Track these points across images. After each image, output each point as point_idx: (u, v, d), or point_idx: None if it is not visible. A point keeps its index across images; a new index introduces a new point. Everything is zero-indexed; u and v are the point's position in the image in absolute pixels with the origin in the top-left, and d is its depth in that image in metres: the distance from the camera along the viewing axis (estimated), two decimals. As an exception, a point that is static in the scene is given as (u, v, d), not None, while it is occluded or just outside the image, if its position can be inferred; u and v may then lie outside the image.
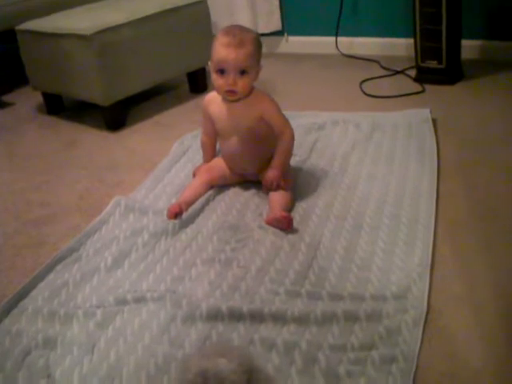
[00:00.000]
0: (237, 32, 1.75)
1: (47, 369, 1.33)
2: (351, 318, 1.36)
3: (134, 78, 2.60)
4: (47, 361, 1.35)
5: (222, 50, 1.73)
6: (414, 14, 2.68)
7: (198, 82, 2.93)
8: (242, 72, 1.75)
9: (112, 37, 2.47)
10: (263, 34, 3.41)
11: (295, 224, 1.73)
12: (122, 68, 2.53)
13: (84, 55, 2.46)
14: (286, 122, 1.86)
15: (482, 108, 2.43)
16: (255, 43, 1.77)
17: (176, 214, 1.78)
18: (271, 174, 1.81)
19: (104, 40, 2.44)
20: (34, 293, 1.58)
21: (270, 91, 2.75)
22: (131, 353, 1.34)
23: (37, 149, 2.53)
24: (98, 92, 2.52)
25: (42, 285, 1.61)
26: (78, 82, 2.58)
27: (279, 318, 1.38)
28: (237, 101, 1.82)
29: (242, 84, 1.77)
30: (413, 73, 2.83)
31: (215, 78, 1.79)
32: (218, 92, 1.84)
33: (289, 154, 1.87)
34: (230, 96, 1.81)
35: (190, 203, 1.85)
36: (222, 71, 1.76)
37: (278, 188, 1.80)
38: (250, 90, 1.84)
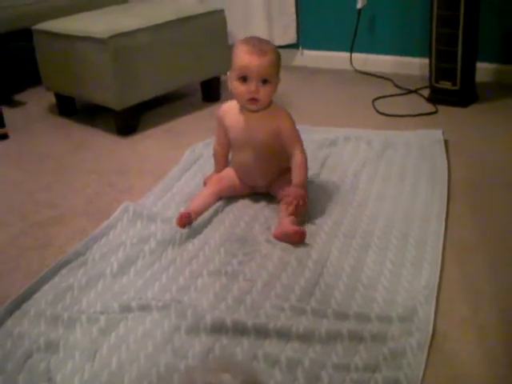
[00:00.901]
0: (257, 42, 1.77)
1: (48, 373, 1.33)
2: (356, 337, 1.34)
3: (147, 83, 2.61)
4: (48, 365, 1.35)
5: (246, 57, 1.74)
6: (431, 35, 2.68)
7: (211, 91, 2.93)
8: (264, 81, 1.76)
9: (128, 41, 2.48)
10: (279, 47, 3.41)
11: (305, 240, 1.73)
12: (136, 73, 2.54)
13: (99, 58, 2.47)
14: (298, 140, 1.85)
15: (494, 131, 2.42)
16: (276, 54, 1.79)
17: (185, 224, 1.77)
18: (295, 191, 1.77)
19: (119, 44, 2.45)
20: (37, 295, 1.58)
21: (283, 104, 2.76)
22: (133, 361, 1.33)
23: (47, 150, 2.53)
24: (111, 96, 2.52)
25: (46, 288, 1.61)
26: (91, 85, 2.58)
27: (283, 335, 1.37)
28: (257, 111, 1.82)
29: (263, 93, 1.77)
30: (426, 93, 2.82)
31: (237, 86, 1.78)
32: (239, 100, 1.84)
33: (306, 170, 1.85)
34: (251, 104, 1.80)
35: (199, 213, 1.85)
36: (244, 78, 1.76)
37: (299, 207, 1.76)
38: (269, 103, 1.84)
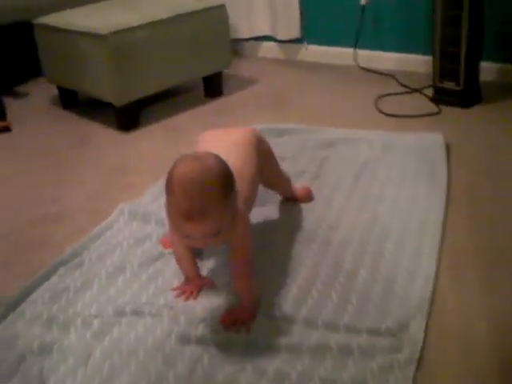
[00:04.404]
0: (197, 190, 1.26)
1: (41, 376, 1.35)
2: (345, 351, 1.35)
3: (148, 79, 2.61)
4: (42, 368, 1.36)
5: (184, 224, 1.29)
6: (434, 35, 2.66)
7: (213, 87, 2.93)
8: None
9: (128, 38, 2.47)
10: (282, 41, 3.40)
11: (298, 246, 1.73)
12: (136, 69, 2.54)
13: (99, 54, 2.48)
14: (247, 253, 1.49)
15: (497, 135, 2.39)
16: (222, 195, 1.30)
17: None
18: (241, 316, 1.47)
19: (119, 40, 2.45)
20: (34, 296, 1.60)
21: (284, 101, 2.77)
22: (124, 368, 1.35)
23: (48, 144, 2.54)
24: (111, 92, 2.53)
25: (43, 288, 1.63)
26: (92, 80, 2.59)
27: (273, 346, 1.38)
28: None
29: (217, 241, 1.41)
30: (430, 92, 2.80)
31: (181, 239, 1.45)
32: None
33: (252, 284, 1.51)
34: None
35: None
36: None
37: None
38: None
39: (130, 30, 2.48)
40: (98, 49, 2.46)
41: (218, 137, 1.69)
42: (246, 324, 1.46)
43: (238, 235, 1.43)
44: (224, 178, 1.33)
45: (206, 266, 1.68)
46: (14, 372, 1.36)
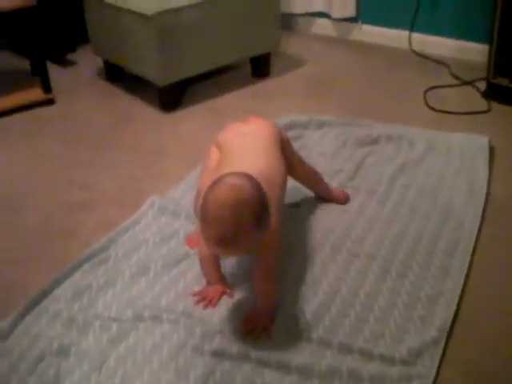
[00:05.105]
0: (230, 221, 1.28)
1: (57, 379, 1.38)
2: (354, 377, 1.34)
3: (192, 60, 2.57)
4: (58, 370, 1.40)
5: (214, 247, 1.34)
6: (493, 23, 2.53)
7: (260, 67, 2.88)
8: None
9: (173, 18, 2.43)
10: (337, 19, 3.30)
11: (324, 256, 1.71)
12: (181, 50, 2.51)
13: (144, 34, 2.45)
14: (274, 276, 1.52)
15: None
16: (255, 224, 1.31)
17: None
18: (260, 321, 1.49)
19: (165, 21, 2.41)
20: (57, 292, 1.63)
21: (331, 86, 2.69)
22: (137, 377, 1.38)
23: (90, 120, 2.56)
24: (154, 72, 2.51)
25: (66, 284, 1.66)
26: (136, 58, 2.58)
27: (284, 366, 1.38)
28: None
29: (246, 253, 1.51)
30: (482, 85, 2.68)
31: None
32: None
33: (274, 284, 1.52)
34: None
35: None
36: None
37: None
38: None
39: (177, 10, 2.43)
40: (143, 28, 2.44)
41: (242, 137, 1.65)
42: (266, 329, 1.47)
43: (267, 245, 1.43)
44: (258, 205, 1.33)
45: (229, 265, 1.68)
46: (32, 371, 1.40)
